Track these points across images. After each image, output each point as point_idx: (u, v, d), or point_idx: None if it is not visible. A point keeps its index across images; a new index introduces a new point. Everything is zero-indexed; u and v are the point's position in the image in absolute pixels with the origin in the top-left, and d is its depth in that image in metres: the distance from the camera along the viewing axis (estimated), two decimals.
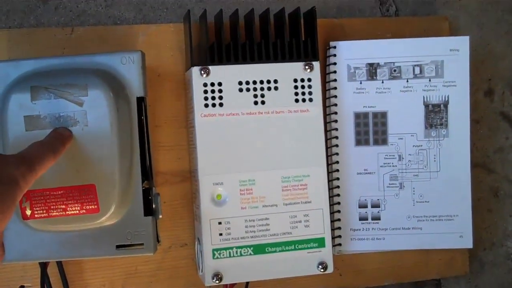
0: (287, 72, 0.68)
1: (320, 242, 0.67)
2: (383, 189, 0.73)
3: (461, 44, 0.74)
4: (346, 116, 0.73)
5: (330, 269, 0.67)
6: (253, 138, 0.66)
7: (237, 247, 0.65)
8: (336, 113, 0.73)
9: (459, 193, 0.73)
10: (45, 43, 0.67)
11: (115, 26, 0.70)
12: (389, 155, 0.73)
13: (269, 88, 0.67)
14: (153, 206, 0.61)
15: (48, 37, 0.67)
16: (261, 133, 0.66)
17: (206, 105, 0.65)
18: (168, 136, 0.70)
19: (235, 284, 0.67)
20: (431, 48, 0.73)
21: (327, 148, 0.72)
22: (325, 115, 0.73)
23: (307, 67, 0.68)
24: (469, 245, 0.74)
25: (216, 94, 0.66)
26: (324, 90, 0.74)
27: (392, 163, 0.73)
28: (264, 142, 0.66)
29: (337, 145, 0.73)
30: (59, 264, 0.66)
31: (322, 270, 0.67)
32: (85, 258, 0.64)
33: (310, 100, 0.68)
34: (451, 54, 0.73)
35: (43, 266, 0.63)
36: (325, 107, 0.73)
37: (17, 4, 0.68)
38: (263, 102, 0.67)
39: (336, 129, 0.73)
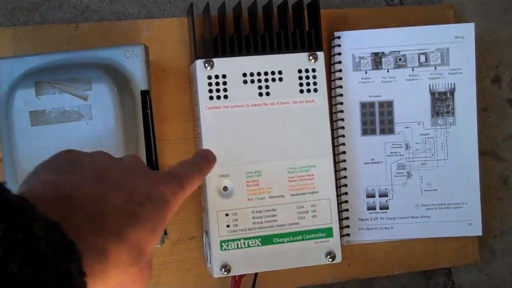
0: (292, 63, 0.68)
1: (328, 232, 0.67)
2: (390, 178, 0.73)
3: (466, 31, 0.73)
4: (352, 106, 0.73)
5: (338, 259, 0.67)
6: (259, 129, 0.66)
7: (245, 239, 0.65)
8: (342, 103, 0.73)
9: (467, 181, 0.73)
10: (50, 40, 0.67)
11: (119, 22, 0.70)
12: (396, 144, 0.73)
13: (273, 79, 0.67)
14: None
15: (53, 34, 0.68)
16: (267, 125, 0.66)
17: (211, 98, 0.66)
18: (174, 129, 0.70)
19: (244, 275, 0.67)
20: (436, 35, 0.73)
21: (333, 138, 0.72)
22: (331, 105, 0.73)
23: (311, 57, 0.68)
24: (479, 232, 0.74)
25: (221, 87, 0.66)
26: (330, 80, 0.73)
27: (399, 152, 0.73)
28: (269, 133, 0.67)
29: (343, 135, 0.73)
30: None
31: (330, 260, 0.67)
32: None
33: (315, 90, 0.68)
34: (456, 41, 0.73)
35: None
36: (330, 97, 0.73)
37: (22, 1, 0.69)
38: (268, 94, 0.67)
39: (342, 119, 0.73)
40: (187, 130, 0.70)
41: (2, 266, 0.23)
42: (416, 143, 0.73)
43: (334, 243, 0.67)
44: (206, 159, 0.49)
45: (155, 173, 0.42)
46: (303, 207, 0.67)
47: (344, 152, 0.73)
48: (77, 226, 0.31)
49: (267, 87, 0.67)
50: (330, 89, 0.73)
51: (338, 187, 0.72)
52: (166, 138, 0.70)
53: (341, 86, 0.73)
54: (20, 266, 0.24)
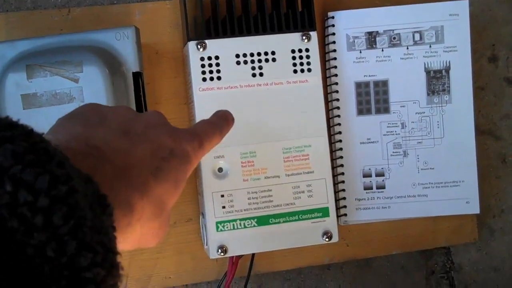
0: (285, 43, 0.67)
1: (324, 212, 0.67)
2: (387, 157, 0.73)
3: (461, 8, 0.73)
4: (347, 86, 0.73)
5: (335, 239, 0.67)
6: (253, 110, 0.66)
7: (241, 219, 0.65)
8: (336, 83, 0.72)
9: (464, 159, 0.73)
10: (43, 25, 0.67)
11: (112, 6, 0.70)
12: (392, 123, 0.73)
13: (266, 60, 0.67)
14: None
15: (46, 19, 0.68)
16: (261, 105, 0.66)
17: (204, 79, 0.65)
18: (169, 113, 0.69)
19: (241, 256, 0.67)
20: (430, 13, 0.73)
21: (328, 118, 0.72)
22: (326, 85, 0.73)
23: (304, 37, 0.68)
24: (476, 210, 0.73)
25: (214, 68, 0.66)
26: (324, 60, 0.73)
27: (395, 131, 0.73)
28: (263, 114, 0.66)
29: (339, 116, 0.72)
30: None
31: (327, 239, 0.67)
32: None
33: (309, 70, 0.68)
34: (451, 18, 0.73)
35: None
36: (325, 77, 0.73)
37: None
38: (261, 74, 0.67)
39: (338, 99, 0.72)
40: (182, 113, 0.70)
41: (46, 217, 0.23)
42: (412, 122, 0.73)
43: (330, 222, 0.67)
44: (225, 120, 0.49)
45: (177, 129, 0.42)
46: (298, 187, 0.67)
47: (339, 132, 0.72)
48: (105, 179, 0.31)
49: (260, 67, 0.67)
50: (324, 69, 0.73)
51: (334, 167, 0.72)
52: None
53: (335, 66, 0.72)
54: (64, 218, 0.23)
